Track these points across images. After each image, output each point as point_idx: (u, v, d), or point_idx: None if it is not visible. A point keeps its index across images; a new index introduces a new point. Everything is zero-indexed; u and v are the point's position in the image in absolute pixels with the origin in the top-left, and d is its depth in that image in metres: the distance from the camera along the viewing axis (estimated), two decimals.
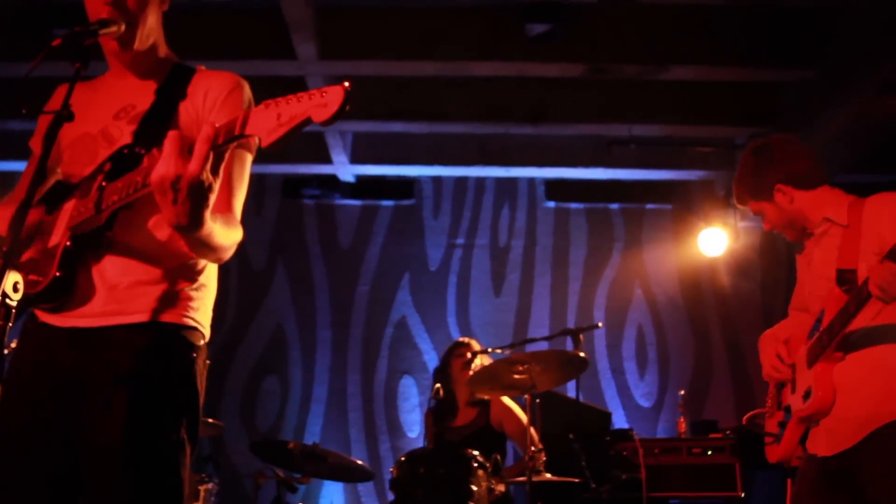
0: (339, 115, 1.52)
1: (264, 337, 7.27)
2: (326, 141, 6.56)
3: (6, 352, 1.76)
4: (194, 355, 2.00)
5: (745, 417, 3.07)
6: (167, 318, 1.96)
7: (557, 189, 7.52)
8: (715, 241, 6.77)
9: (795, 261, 2.91)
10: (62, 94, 1.82)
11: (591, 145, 6.74)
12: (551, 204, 7.57)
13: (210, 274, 2.09)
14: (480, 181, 7.59)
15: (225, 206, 1.96)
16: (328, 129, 6.29)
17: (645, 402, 7.14)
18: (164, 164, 1.64)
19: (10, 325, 1.62)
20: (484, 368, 4.48)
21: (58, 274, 1.90)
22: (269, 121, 1.57)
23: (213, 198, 1.69)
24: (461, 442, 4.60)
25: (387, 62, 5.64)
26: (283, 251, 7.47)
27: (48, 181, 2.06)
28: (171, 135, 1.66)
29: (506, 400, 4.86)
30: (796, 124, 5.77)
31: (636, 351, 7.26)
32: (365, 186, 7.47)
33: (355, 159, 6.97)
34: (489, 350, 4.84)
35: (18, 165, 6.39)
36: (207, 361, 2.07)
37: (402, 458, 4.16)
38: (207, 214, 1.71)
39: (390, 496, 4.13)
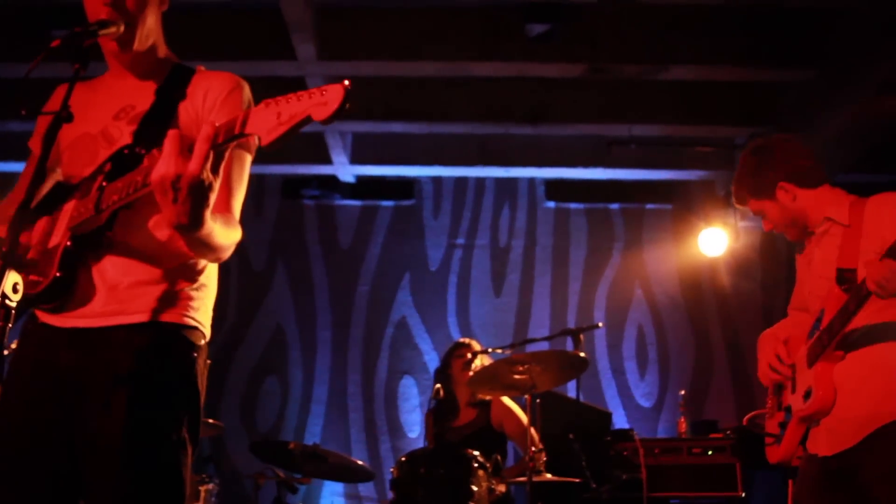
0: (339, 114, 1.52)
1: (264, 337, 7.27)
2: (326, 141, 6.55)
3: (6, 352, 1.76)
4: (195, 355, 2.00)
5: (745, 418, 3.06)
6: (167, 317, 1.95)
7: (557, 189, 7.51)
8: (715, 241, 6.76)
9: (795, 261, 2.91)
10: (61, 95, 1.81)
11: (591, 145, 6.73)
12: (551, 204, 7.56)
13: (210, 274, 2.09)
14: (480, 181, 7.59)
15: (224, 207, 1.97)
16: (328, 129, 6.29)
17: (645, 402, 7.14)
18: (164, 164, 1.64)
19: (10, 325, 1.62)
20: (484, 369, 4.48)
21: (58, 274, 1.90)
22: (269, 120, 1.57)
23: (213, 197, 1.69)
24: (461, 442, 4.59)
25: (386, 62, 5.63)
26: (283, 251, 7.46)
27: (47, 182, 2.06)
28: (171, 134, 1.66)
29: (506, 400, 4.86)
30: (796, 124, 5.76)
31: (636, 351, 7.25)
32: (365, 187, 7.46)
33: (355, 159, 6.96)
34: (489, 350, 4.84)
35: (18, 166, 6.37)
36: (208, 361, 2.07)
37: (403, 459, 4.16)
38: (208, 214, 1.71)
39: (390, 496, 4.13)
